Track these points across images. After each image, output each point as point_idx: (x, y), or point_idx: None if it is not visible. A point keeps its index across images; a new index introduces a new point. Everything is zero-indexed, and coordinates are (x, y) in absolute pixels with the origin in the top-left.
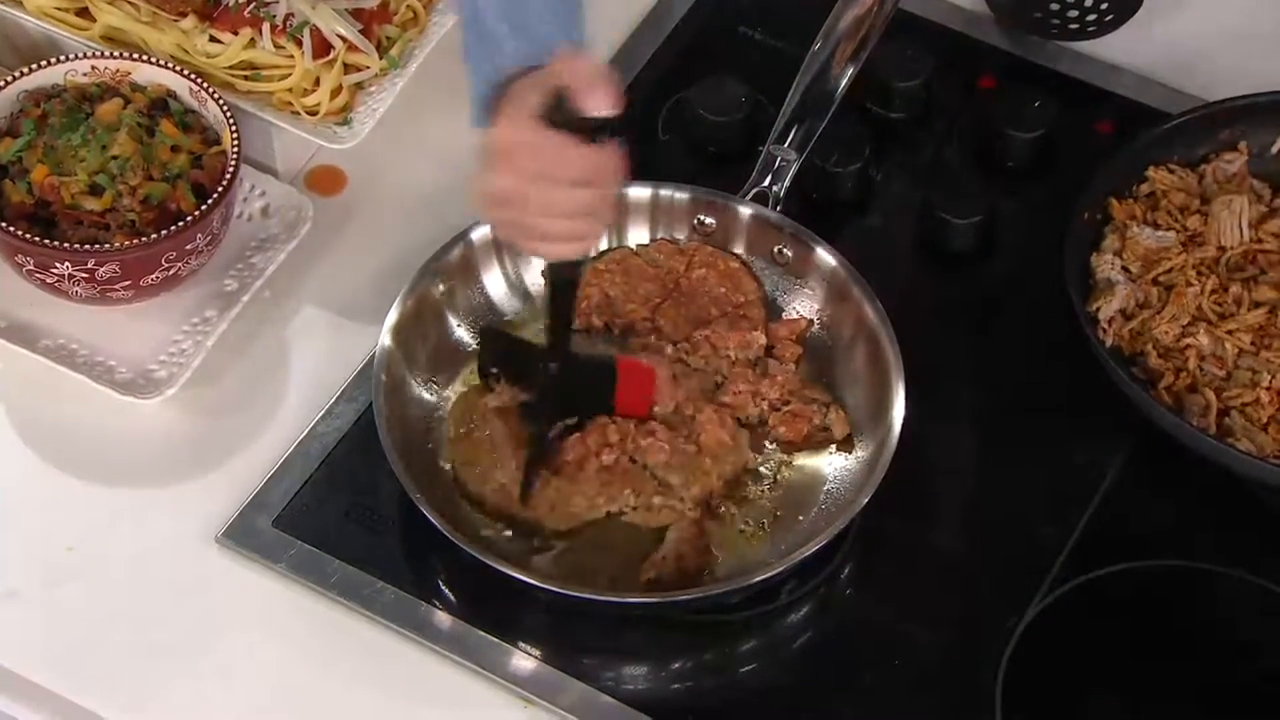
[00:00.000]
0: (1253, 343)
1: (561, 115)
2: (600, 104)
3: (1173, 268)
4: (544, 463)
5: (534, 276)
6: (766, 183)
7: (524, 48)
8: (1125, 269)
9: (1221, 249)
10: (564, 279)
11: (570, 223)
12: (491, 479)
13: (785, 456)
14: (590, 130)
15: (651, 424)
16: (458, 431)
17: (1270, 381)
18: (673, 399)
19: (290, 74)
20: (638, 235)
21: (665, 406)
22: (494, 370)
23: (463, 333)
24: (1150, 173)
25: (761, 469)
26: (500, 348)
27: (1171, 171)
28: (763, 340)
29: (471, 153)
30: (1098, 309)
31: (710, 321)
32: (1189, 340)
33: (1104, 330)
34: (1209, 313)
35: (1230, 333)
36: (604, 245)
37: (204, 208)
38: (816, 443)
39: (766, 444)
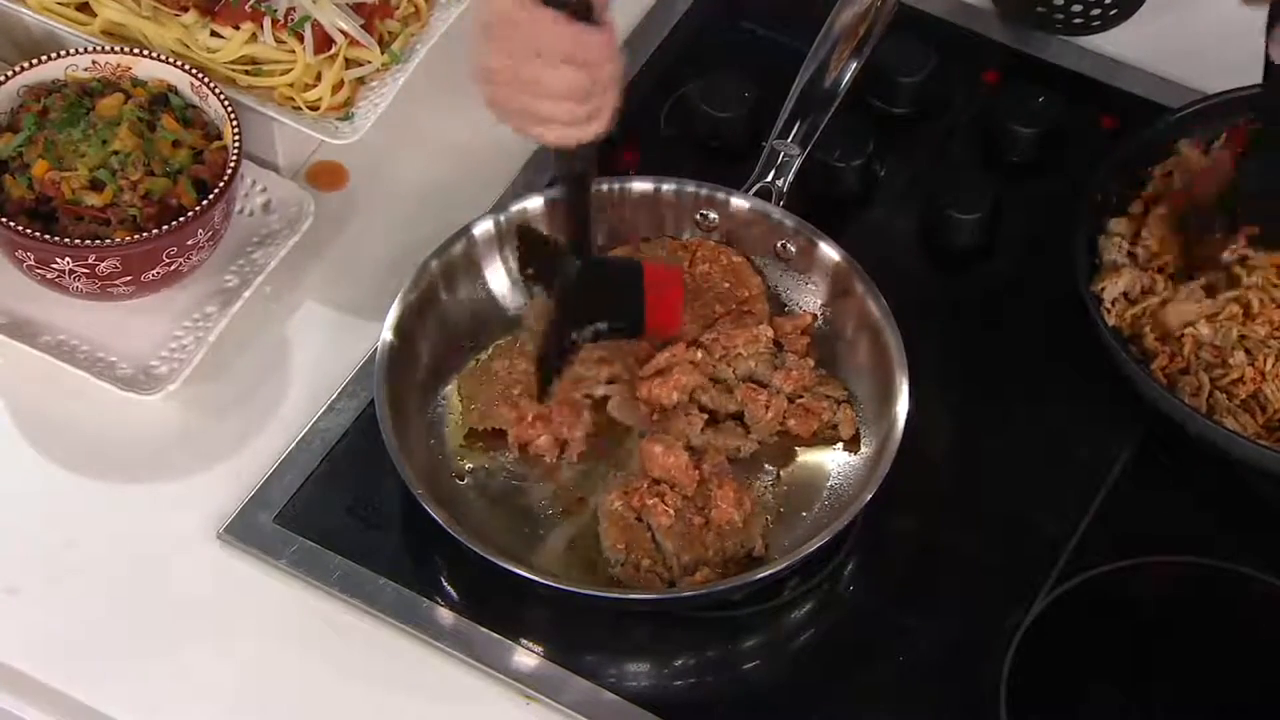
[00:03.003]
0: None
1: None
2: None
3: None
4: (563, 362)
5: None
6: (770, 178)
7: None
8: (1130, 254)
9: None
10: (572, 172)
11: (567, 105)
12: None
13: (789, 451)
14: (581, 9)
15: (663, 486)
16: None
17: (1255, 362)
18: (692, 481)
19: (292, 69)
20: (641, 231)
21: (686, 488)
22: (530, 271)
23: (464, 328)
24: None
25: (765, 465)
26: (532, 245)
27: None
28: (770, 334)
29: (472, 147)
30: (1102, 289)
31: (716, 319)
32: (1189, 330)
33: (1107, 310)
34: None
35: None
36: (606, 241)
37: (205, 203)
38: (823, 440)
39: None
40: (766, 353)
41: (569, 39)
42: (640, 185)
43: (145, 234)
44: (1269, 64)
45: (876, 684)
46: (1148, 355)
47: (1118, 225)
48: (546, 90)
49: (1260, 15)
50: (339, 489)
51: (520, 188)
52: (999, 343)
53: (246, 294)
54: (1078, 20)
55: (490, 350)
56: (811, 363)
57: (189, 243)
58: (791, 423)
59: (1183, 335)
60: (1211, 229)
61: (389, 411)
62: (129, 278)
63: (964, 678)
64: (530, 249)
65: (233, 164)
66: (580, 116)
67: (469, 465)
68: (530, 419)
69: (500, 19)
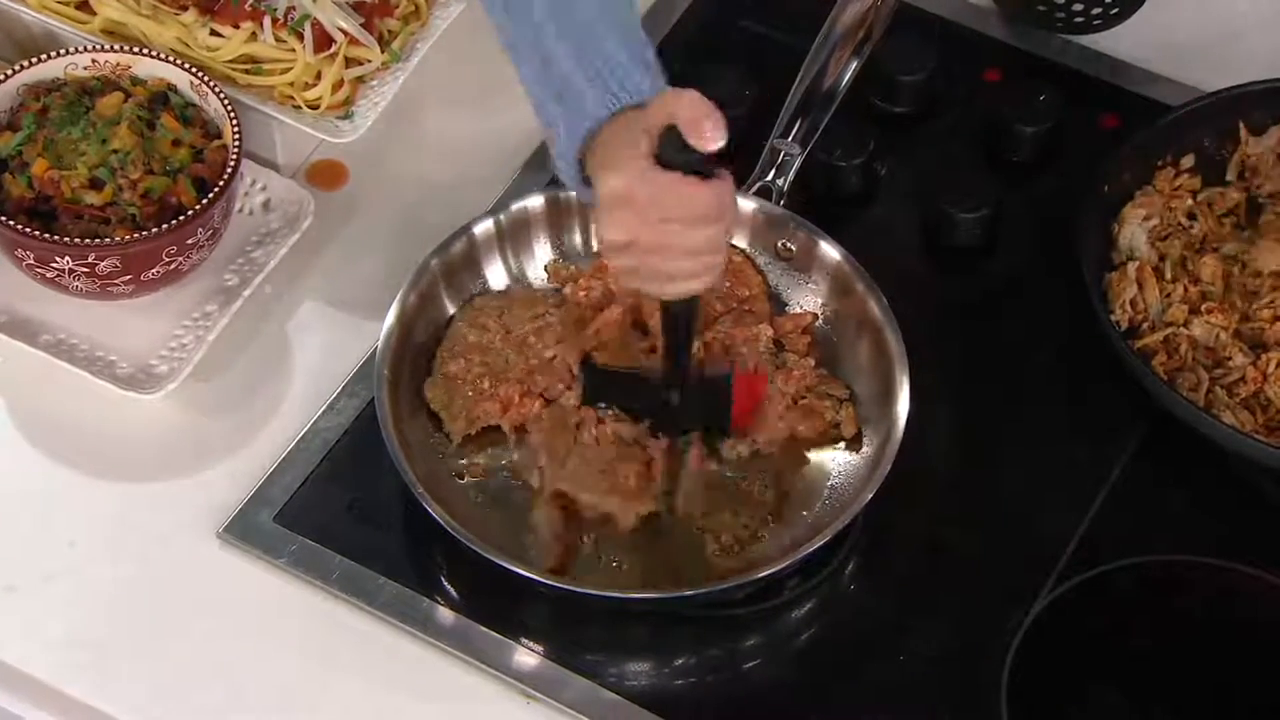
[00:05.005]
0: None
1: (675, 155)
2: (713, 138)
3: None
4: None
5: (536, 270)
6: (770, 177)
7: (606, 97)
8: (1150, 237)
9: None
10: (683, 312)
11: (704, 259)
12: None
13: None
14: (704, 166)
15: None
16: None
17: (1257, 363)
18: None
19: (291, 68)
20: None
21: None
22: (602, 404)
23: (464, 326)
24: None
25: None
26: (606, 382)
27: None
28: (770, 333)
29: (472, 146)
30: (1107, 283)
31: (716, 318)
32: (1182, 331)
33: (1111, 303)
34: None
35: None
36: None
37: (205, 202)
38: (825, 439)
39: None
40: (767, 352)
41: (709, 197)
42: None
43: (145, 233)
44: None
45: (876, 684)
46: (1148, 352)
47: (1123, 220)
48: (684, 250)
49: (1264, 10)
50: (339, 488)
51: (520, 187)
52: (1000, 342)
53: (246, 293)
54: (1079, 19)
55: (438, 357)
56: (812, 362)
57: (189, 241)
58: (801, 428)
59: (1178, 335)
60: None
61: (389, 410)
62: (129, 276)
63: (964, 677)
64: (603, 384)
65: (232, 163)
66: (710, 266)
67: (469, 464)
68: (518, 400)
69: (632, 191)
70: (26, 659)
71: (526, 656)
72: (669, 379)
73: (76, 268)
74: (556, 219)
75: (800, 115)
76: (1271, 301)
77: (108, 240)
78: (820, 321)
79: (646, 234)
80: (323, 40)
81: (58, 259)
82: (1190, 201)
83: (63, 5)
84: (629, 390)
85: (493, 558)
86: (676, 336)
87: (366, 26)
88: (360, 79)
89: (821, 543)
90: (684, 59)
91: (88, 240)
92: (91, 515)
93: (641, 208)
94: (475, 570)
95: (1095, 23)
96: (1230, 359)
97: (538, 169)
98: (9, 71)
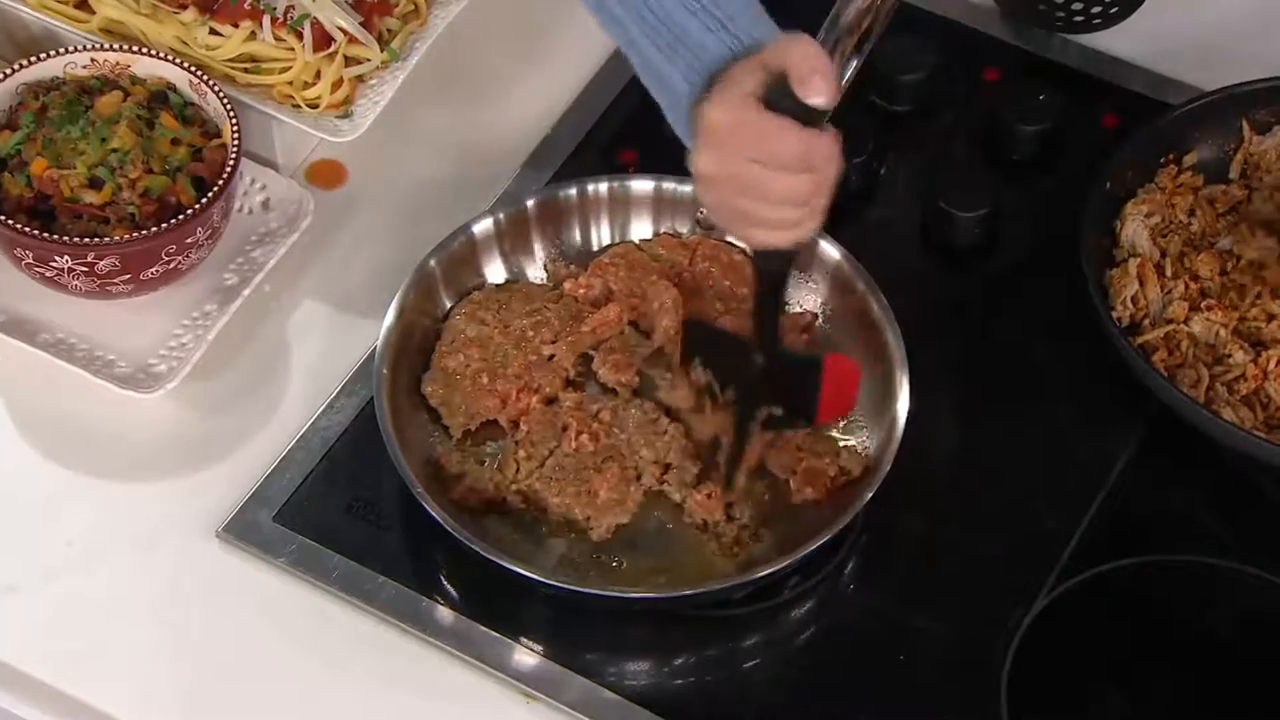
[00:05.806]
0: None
1: (781, 100)
2: (820, 93)
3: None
4: (744, 452)
5: (535, 270)
6: None
7: (729, 42)
8: (1151, 233)
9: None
10: (772, 270)
11: (783, 210)
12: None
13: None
14: (807, 116)
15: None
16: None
17: (1258, 360)
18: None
19: (291, 67)
20: (641, 229)
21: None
22: (698, 361)
23: (462, 320)
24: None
25: (766, 464)
26: (705, 338)
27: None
28: None
29: (472, 146)
30: (1109, 279)
31: (716, 318)
32: (1182, 328)
33: (1113, 299)
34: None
35: (1238, 323)
36: (606, 239)
37: (204, 201)
38: (841, 485)
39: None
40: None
41: (796, 145)
42: (641, 184)
43: (144, 232)
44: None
45: (876, 683)
46: (1148, 348)
47: (1125, 217)
48: (769, 195)
49: (1266, 10)
50: (338, 487)
51: (520, 186)
52: (1000, 341)
53: (246, 292)
54: (1079, 18)
55: (436, 353)
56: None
57: (188, 241)
58: (808, 491)
59: (1178, 332)
60: None
61: (389, 410)
62: (128, 276)
63: (964, 677)
64: (702, 341)
65: (232, 162)
66: (797, 220)
67: (468, 465)
68: (515, 395)
69: (727, 124)
70: (26, 659)
71: (526, 656)
72: (758, 340)
73: (76, 267)
74: (556, 218)
75: None
76: (1258, 295)
77: (107, 239)
78: (820, 321)
79: (733, 170)
80: (322, 39)
81: (57, 258)
82: (1192, 199)
83: (62, 4)
84: (723, 350)
85: (493, 557)
86: (764, 295)
87: (366, 25)
88: (359, 78)
89: (821, 542)
90: None
91: (87, 239)
92: (91, 515)
93: (732, 142)
94: (475, 570)
95: (1095, 22)
96: (1230, 356)
97: (538, 169)
98: (8, 70)
